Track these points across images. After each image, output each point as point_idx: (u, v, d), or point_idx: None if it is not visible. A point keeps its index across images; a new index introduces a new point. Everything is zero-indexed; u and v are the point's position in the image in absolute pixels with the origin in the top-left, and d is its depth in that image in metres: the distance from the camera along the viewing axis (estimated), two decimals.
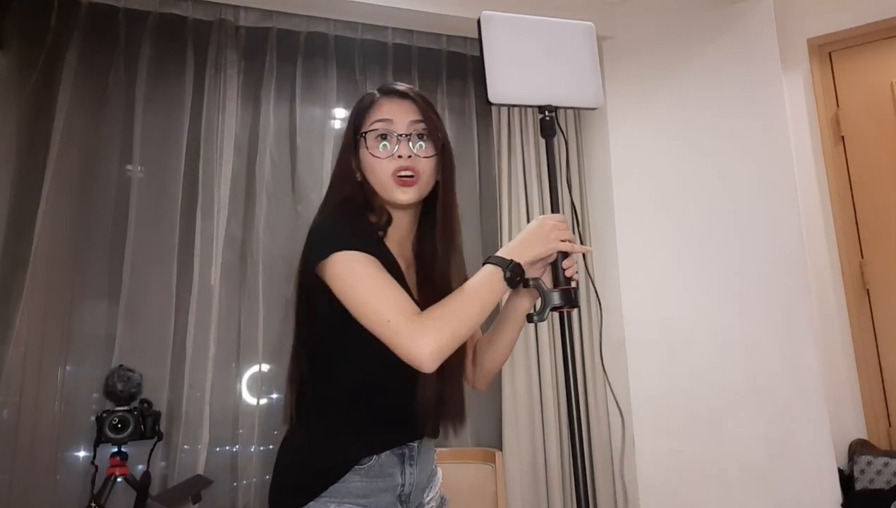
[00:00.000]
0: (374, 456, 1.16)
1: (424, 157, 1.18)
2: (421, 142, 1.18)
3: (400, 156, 1.15)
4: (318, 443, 1.18)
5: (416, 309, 1.07)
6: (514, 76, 1.22)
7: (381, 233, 1.19)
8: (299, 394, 1.22)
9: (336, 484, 1.14)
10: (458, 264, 1.25)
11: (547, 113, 1.23)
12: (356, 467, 1.15)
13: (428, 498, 1.27)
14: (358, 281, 1.07)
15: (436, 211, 1.23)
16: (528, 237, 1.15)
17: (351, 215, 1.18)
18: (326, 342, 1.18)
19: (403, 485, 1.20)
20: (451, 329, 1.04)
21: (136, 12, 2.41)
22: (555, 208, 1.24)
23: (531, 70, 1.23)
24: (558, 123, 1.25)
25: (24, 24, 2.28)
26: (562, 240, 1.15)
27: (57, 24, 2.31)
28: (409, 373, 1.08)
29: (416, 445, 1.22)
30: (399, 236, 1.23)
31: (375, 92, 1.23)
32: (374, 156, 1.17)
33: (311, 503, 1.13)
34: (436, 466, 1.33)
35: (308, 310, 1.20)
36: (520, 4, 2.69)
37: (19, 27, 2.28)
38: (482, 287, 1.09)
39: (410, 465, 1.21)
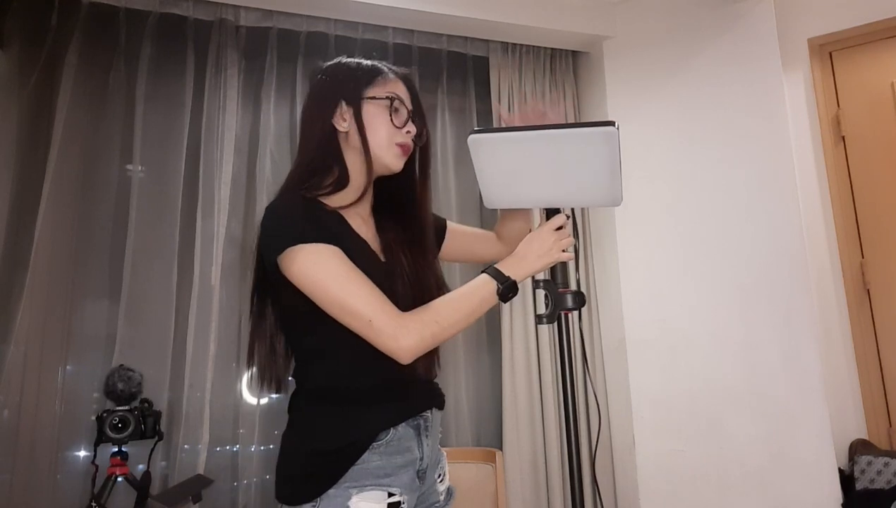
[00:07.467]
0: (392, 430, 1.11)
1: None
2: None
3: (409, 132, 1.23)
4: (326, 423, 1.10)
5: (392, 306, 1.08)
6: (509, 186, 1.18)
7: (343, 204, 1.17)
8: (299, 384, 1.19)
9: (354, 467, 1.06)
10: (427, 223, 1.29)
11: (549, 211, 1.21)
12: (373, 444, 1.08)
13: (438, 476, 1.24)
14: (328, 279, 1.06)
15: (413, 183, 1.29)
16: (529, 253, 1.17)
17: (306, 199, 1.14)
18: (307, 332, 1.16)
19: (422, 458, 1.16)
20: (433, 332, 1.08)
21: (136, 12, 2.41)
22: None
23: (529, 179, 1.16)
24: (575, 224, 1.28)
25: (24, 23, 2.28)
26: (563, 251, 1.18)
27: (57, 23, 2.31)
28: None
29: (429, 415, 1.19)
30: (366, 197, 1.24)
31: (384, 67, 1.24)
32: (393, 123, 1.21)
33: (329, 491, 1.04)
34: (440, 448, 1.30)
35: (274, 297, 1.22)
36: (520, 5, 2.71)
37: (20, 27, 2.27)
38: (472, 296, 1.13)
39: (426, 437, 1.18)
